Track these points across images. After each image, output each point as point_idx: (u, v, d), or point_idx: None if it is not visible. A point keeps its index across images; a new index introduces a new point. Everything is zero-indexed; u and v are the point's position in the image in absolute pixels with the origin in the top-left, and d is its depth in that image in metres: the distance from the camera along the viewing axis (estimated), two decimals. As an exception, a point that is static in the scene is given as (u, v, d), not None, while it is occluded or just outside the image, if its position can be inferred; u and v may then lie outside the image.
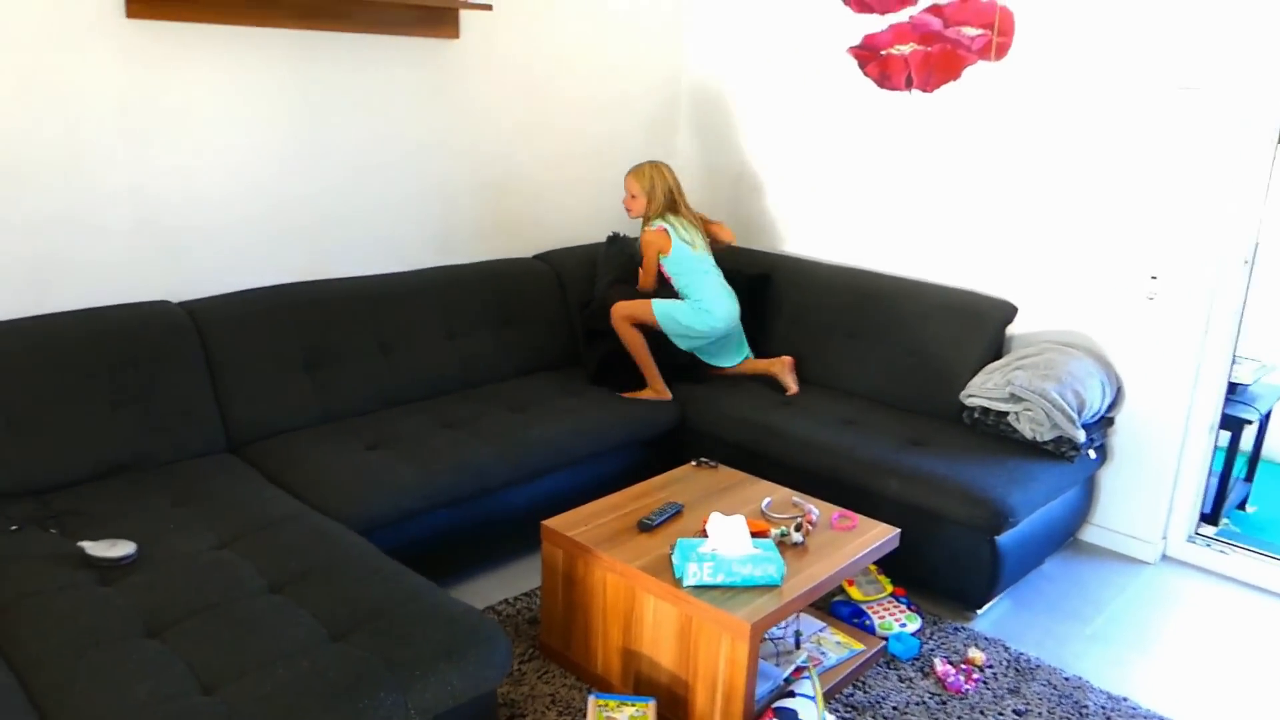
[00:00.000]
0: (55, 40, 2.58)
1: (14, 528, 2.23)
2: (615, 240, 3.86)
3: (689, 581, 2.20)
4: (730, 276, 3.53)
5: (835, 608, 2.74)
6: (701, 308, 3.38)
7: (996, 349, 3.28)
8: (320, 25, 3.04)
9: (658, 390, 3.39)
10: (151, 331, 2.70)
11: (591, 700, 2.19)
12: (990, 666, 2.59)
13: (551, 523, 2.47)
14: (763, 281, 3.77)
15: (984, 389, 3.07)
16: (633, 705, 2.18)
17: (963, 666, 2.56)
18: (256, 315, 2.91)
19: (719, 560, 2.20)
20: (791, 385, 3.45)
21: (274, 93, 3.02)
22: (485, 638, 1.95)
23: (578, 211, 4.02)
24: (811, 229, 3.93)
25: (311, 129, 3.13)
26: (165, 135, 2.83)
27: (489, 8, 3.30)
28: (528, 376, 3.49)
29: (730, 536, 2.24)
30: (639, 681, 2.35)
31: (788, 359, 3.52)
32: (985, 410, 3.07)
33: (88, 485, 2.48)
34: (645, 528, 2.44)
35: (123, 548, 2.12)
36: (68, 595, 1.98)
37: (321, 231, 3.23)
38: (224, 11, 2.82)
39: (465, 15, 3.41)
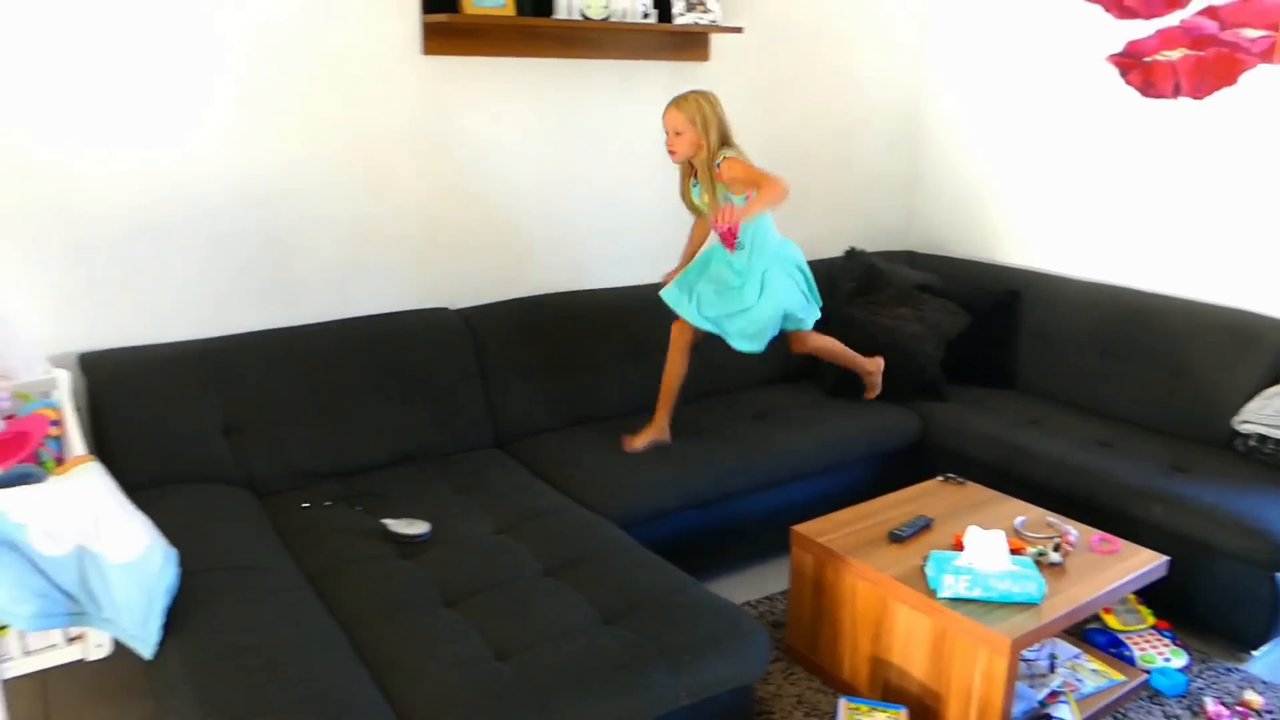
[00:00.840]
0: (367, 75, 2.91)
1: (327, 503, 2.53)
2: (853, 255, 3.88)
3: (944, 593, 2.20)
4: (976, 293, 3.47)
5: (1090, 636, 2.64)
6: (788, 244, 3.01)
7: (1276, 373, 3.05)
8: (580, 54, 3.27)
9: (866, 367, 3.30)
10: (434, 335, 2.99)
11: (843, 703, 2.23)
12: (1270, 712, 2.42)
13: (801, 528, 2.53)
14: (1011, 298, 3.68)
15: (1262, 415, 2.87)
16: (885, 712, 2.20)
17: (1237, 709, 2.41)
18: (521, 322, 3.15)
19: (976, 574, 2.19)
20: (877, 387, 3.34)
21: (538, 116, 3.26)
22: (746, 631, 2.04)
23: (816, 228, 4.06)
24: (1061, 244, 3.79)
25: (570, 149, 3.36)
26: (449, 156, 3.13)
27: (740, 30, 3.42)
28: (765, 387, 3.56)
29: (988, 551, 2.22)
30: (887, 689, 2.37)
31: (879, 359, 3.35)
32: (1263, 438, 2.87)
33: (383, 470, 2.77)
34: (896, 538, 2.46)
35: (419, 526, 2.36)
36: (376, 565, 2.24)
37: (579, 244, 3.46)
38: (502, 45, 3.08)
39: (715, 38, 3.55)
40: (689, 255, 3.13)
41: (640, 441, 2.93)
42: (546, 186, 3.34)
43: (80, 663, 1.88)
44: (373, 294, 3.07)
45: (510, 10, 2.93)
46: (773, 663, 2.59)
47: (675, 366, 3.00)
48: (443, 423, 2.92)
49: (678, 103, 2.79)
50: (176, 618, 1.87)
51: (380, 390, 2.84)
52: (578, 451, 2.90)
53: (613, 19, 3.11)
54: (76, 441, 2.05)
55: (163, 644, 1.84)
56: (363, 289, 3.07)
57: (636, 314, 3.36)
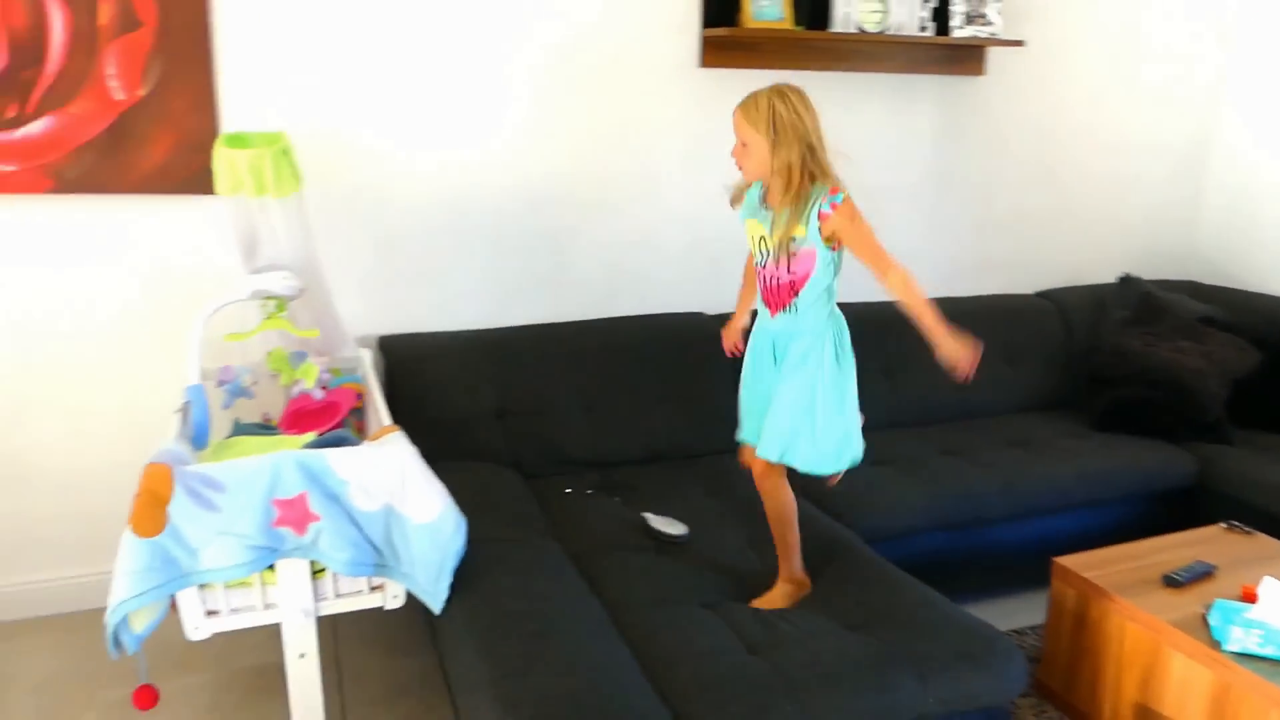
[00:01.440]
0: (645, 87, 3.05)
1: (589, 491, 2.68)
2: (1129, 282, 3.65)
3: (1231, 646, 2.03)
4: (1269, 330, 3.16)
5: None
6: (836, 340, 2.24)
7: None
8: (852, 67, 3.27)
9: (794, 573, 2.24)
10: (691, 339, 3.08)
11: (1105, 749, 2.11)
12: None
13: (1065, 561, 2.41)
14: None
15: None
16: (1153, 764, 2.06)
17: None
18: (775, 331, 3.19)
19: (1270, 631, 2.01)
20: (780, 601, 2.20)
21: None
22: (1001, 650, 1.98)
23: (1087, 251, 3.86)
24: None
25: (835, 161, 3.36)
26: (717, 167, 3.21)
27: (1020, 44, 3.31)
28: (1023, 414, 3.42)
29: (1285, 607, 2.03)
30: (1154, 743, 2.22)
31: (806, 582, 2.27)
32: None
33: (638, 465, 2.89)
34: (1172, 583, 2.30)
35: (678, 527, 2.45)
36: (636, 556, 2.34)
37: (835, 258, 3.46)
38: (777, 58, 3.14)
39: (993, 52, 3.44)
40: (746, 305, 2.44)
41: (777, 602, 2.19)
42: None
43: (375, 610, 2.09)
44: (636, 296, 3.21)
45: (789, 24, 2.99)
46: (1024, 697, 2.48)
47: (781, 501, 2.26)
48: (696, 424, 3.00)
49: (744, 104, 2.08)
50: (461, 580, 2.04)
51: (639, 388, 2.97)
52: (826, 462, 2.91)
53: (888, 32, 3.10)
54: (383, 413, 2.28)
55: (449, 602, 2.01)
56: (627, 291, 3.21)
57: (888, 329, 3.29)
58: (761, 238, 2.17)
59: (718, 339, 3.10)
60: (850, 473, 2.82)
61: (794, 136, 2.03)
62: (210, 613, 1.94)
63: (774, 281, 2.17)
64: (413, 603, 2.08)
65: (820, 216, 2.07)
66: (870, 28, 3.11)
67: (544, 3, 2.89)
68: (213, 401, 2.37)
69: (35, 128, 2.52)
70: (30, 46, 2.47)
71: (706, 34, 3.04)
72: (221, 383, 2.46)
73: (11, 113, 2.49)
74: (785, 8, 2.99)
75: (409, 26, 2.79)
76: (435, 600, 2.01)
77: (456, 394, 2.83)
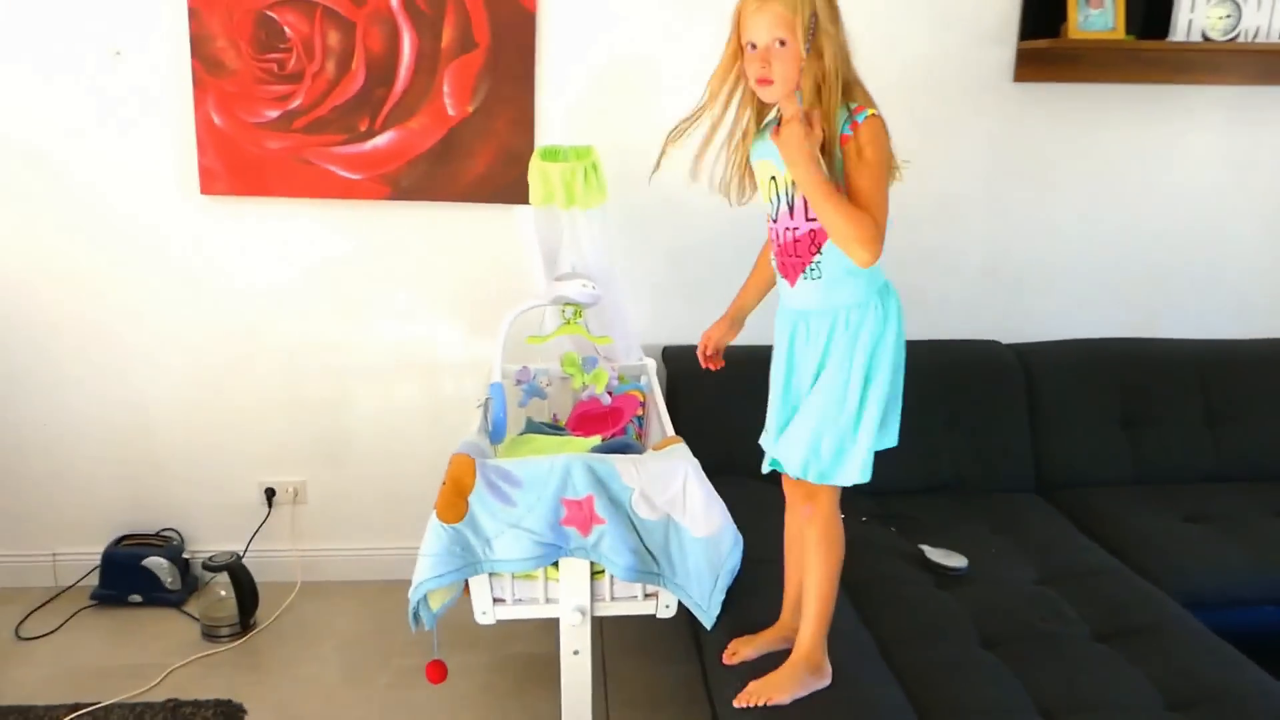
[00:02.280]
0: (950, 102, 2.92)
1: (863, 519, 2.59)
2: None
3: None
4: None
5: None
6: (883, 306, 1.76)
7: None
8: (1190, 79, 2.95)
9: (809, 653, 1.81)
10: (984, 367, 2.91)
11: None
12: None
13: None
14: None
15: None
16: None
17: None
18: (1080, 365, 2.94)
19: None
20: (783, 690, 1.78)
21: (1130, 144, 3.02)
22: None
23: None
24: None
25: (1160, 182, 3.06)
26: (1024, 187, 3.02)
27: None
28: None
29: None
30: None
31: (828, 674, 1.83)
32: None
33: (916, 495, 2.76)
34: None
35: (957, 559, 2.31)
36: (912, 588, 2.24)
37: (1154, 288, 3.14)
38: (1102, 70, 2.89)
39: (1370, 60, 2.99)
40: (745, 293, 2.06)
41: (779, 691, 1.78)
42: (1124, 222, 3.08)
43: (644, 618, 2.13)
44: (926, 319, 3.07)
45: (1120, 34, 2.74)
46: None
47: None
48: (983, 458, 2.83)
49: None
50: (733, 597, 2.04)
51: (924, 416, 2.81)
52: (1135, 513, 2.64)
53: (1240, 39, 2.77)
54: (666, 422, 2.32)
55: (719, 618, 2.01)
56: (916, 313, 3.05)
57: (1215, 371, 2.97)
58: (772, 178, 1.73)
59: (1013, 369, 2.92)
60: (1160, 524, 2.56)
61: (831, 39, 1.62)
62: (497, 600, 2.06)
63: (789, 235, 1.71)
64: (680, 612, 2.10)
65: (841, 140, 1.63)
66: (1216, 35, 2.79)
67: (847, 9, 2.83)
68: (510, 399, 2.52)
69: (380, 140, 2.79)
70: (383, 67, 2.75)
71: (1023, 46, 2.86)
72: (519, 382, 2.61)
73: (363, 127, 2.78)
74: (1117, 16, 2.75)
75: (702, 53, 2.83)
76: (707, 615, 2.01)
77: (735, 408, 2.82)
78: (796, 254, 1.73)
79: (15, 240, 2.83)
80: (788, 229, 1.73)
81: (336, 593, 3.01)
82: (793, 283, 1.77)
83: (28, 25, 2.70)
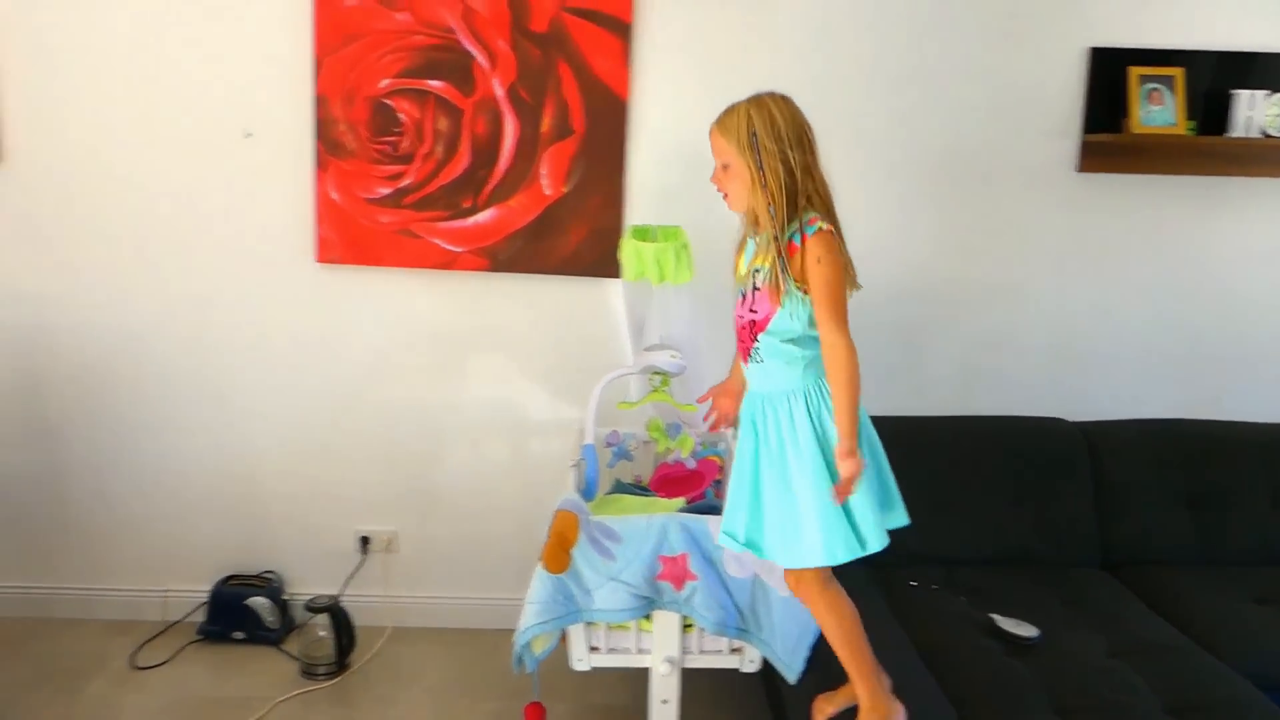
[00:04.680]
0: (1017, 190, 3.09)
1: (934, 587, 2.70)
2: None
3: None
4: None
5: None
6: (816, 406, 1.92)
7: None
8: (1253, 172, 3.09)
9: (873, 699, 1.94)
10: (1050, 444, 3.01)
11: None
12: None
13: None
14: None
15: None
16: None
17: None
18: (1145, 443, 3.02)
19: None
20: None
21: (1190, 233, 3.15)
22: None
23: None
24: None
25: (1223, 270, 3.18)
26: (1091, 270, 3.16)
27: None
28: None
29: None
30: None
31: (900, 710, 1.98)
32: None
33: (983, 567, 2.85)
34: None
35: (1028, 629, 2.41)
36: (984, 656, 2.33)
37: (1212, 370, 3.25)
38: (1164, 163, 3.04)
39: None
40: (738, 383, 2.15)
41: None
42: (1185, 307, 3.20)
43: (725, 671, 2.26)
44: (990, 396, 3.20)
45: (1181, 129, 2.90)
46: None
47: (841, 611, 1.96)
48: (1049, 533, 2.91)
49: (721, 117, 1.87)
50: (817, 655, 2.16)
51: (990, 490, 2.94)
52: (1204, 592, 2.70)
53: (1297, 137, 2.91)
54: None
55: (804, 675, 2.13)
56: (982, 390, 3.22)
57: (1281, 454, 3.04)
58: (746, 270, 1.93)
59: (1079, 446, 3.02)
60: (1229, 604, 2.62)
61: (776, 153, 1.79)
62: (592, 649, 2.20)
63: (739, 321, 1.94)
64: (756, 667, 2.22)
65: (789, 247, 1.81)
66: (1275, 131, 2.93)
67: (925, 97, 3.02)
68: (599, 460, 2.68)
69: (482, 217, 3.02)
70: (487, 150, 2.99)
71: (1087, 139, 3.02)
72: (609, 444, 2.78)
73: (466, 204, 3.01)
74: (1178, 112, 2.91)
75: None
76: (791, 671, 2.14)
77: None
78: (743, 338, 1.96)
79: (146, 301, 3.08)
80: (739, 315, 1.96)
81: (424, 638, 3.17)
82: (745, 363, 1.97)
83: (171, 110, 2.99)
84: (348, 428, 3.17)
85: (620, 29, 2.92)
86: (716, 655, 2.22)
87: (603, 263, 3.02)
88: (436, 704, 2.83)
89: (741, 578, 2.12)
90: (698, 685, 2.87)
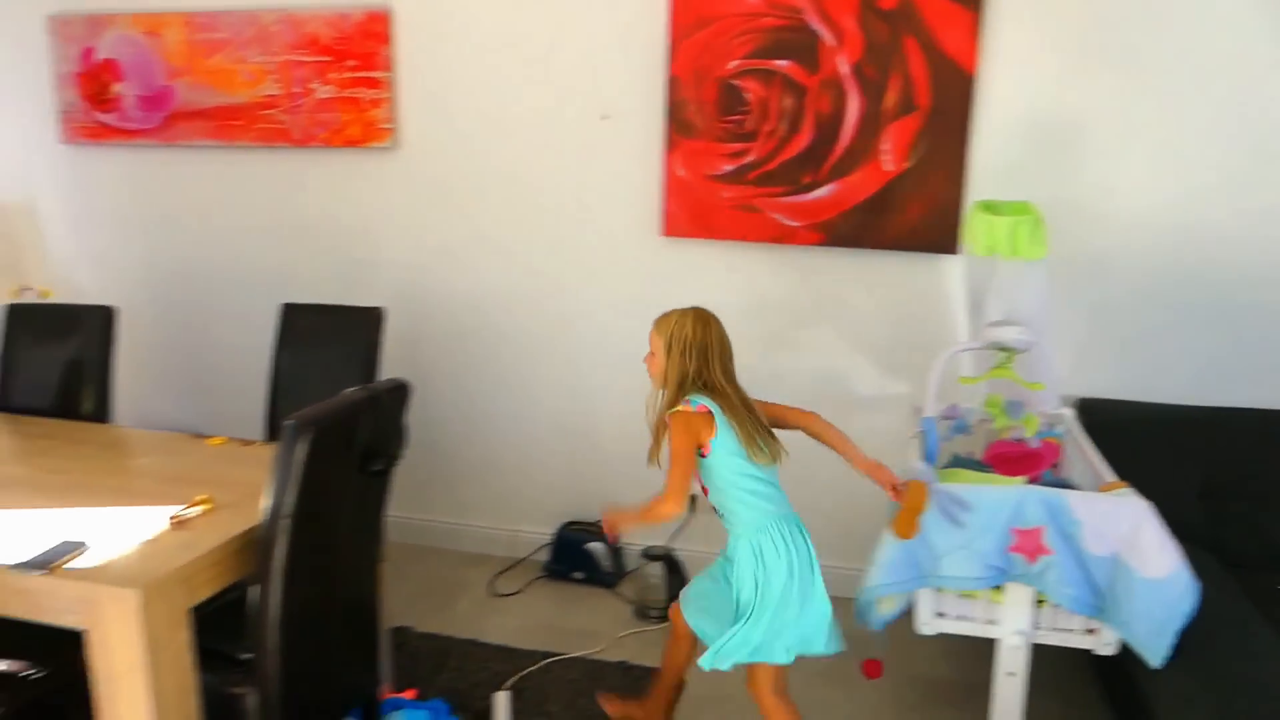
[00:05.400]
0: None
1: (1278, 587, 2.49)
2: None
3: None
4: None
5: None
6: (755, 549, 2.19)
7: None
8: None
9: None
10: None
11: None
12: None
13: None
14: None
15: None
16: None
17: None
18: None
19: None
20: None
21: None
22: None
23: None
24: None
25: None
26: None
27: None
28: None
29: None
30: None
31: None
32: None
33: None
34: None
35: None
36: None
37: None
38: None
39: None
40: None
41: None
42: None
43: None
44: None
45: None
46: None
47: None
48: None
49: (659, 320, 2.31)
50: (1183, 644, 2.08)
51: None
52: None
53: None
54: (1104, 468, 2.39)
55: (1171, 663, 2.05)
56: None
57: None
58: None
59: None
60: None
61: (674, 358, 2.21)
62: (939, 615, 2.24)
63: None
64: (1076, 654, 2.15)
65: (666, 419, 2.21)
66: None
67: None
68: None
69: (821, 192, 3.11)
70: (829, 127, 3.07)
71: None
72: (946, 418, 2.78)
73: (807, 179, 3.11)
74: None
75: (1131, 118, 2.87)
76: (1155, 655, 2.06)
77: (1158, 466, 2.81)
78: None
79: (508, 273, 3.44)
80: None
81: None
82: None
83: (538, 98, 3.30)
84: (681, 391, 3.37)
85: (971, 2, 2.90)
86: (1069, 634, 2.19)
87: (940, 239, 3.02)
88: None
89: (1101, 555, 2.07)
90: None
